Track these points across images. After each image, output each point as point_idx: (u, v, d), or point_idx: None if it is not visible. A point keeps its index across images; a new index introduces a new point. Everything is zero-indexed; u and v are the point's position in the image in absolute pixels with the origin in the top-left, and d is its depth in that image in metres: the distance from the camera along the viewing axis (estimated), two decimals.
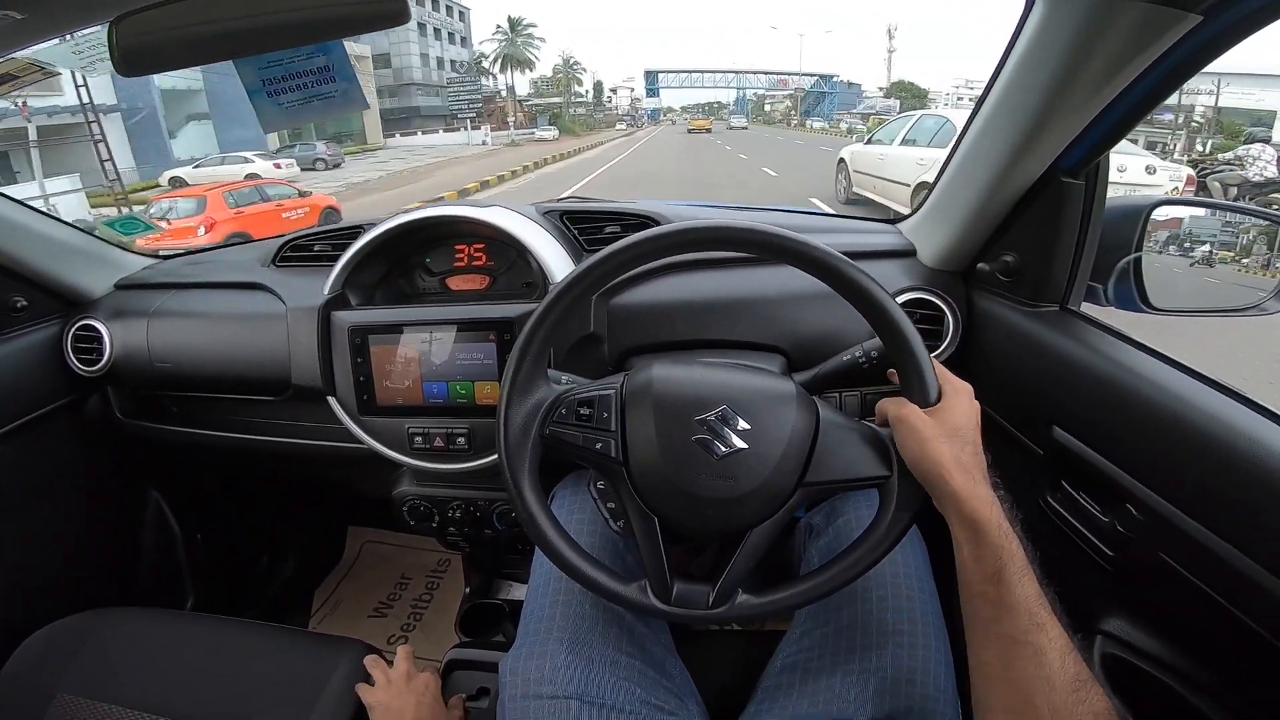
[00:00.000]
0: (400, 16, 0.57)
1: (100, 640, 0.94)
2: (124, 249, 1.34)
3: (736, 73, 78.38)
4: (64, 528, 1.25)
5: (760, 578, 0.65)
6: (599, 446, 0.64)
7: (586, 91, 65.20)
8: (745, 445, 0.61)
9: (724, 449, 0.61)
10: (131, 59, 0.58)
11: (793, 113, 72.61)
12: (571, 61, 58.87)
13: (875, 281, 0.59)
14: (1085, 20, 0.59)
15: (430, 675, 0.95)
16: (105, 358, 1.17)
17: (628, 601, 0.64)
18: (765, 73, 79.19)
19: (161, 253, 1.39)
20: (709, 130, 45.00)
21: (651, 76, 74.50)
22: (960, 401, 0.59)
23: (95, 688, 0.87)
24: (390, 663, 0.93)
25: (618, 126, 61.93)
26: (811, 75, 74.79)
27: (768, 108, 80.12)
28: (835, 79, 72.61)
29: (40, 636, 0.95)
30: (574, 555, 0.65)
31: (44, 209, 1.19)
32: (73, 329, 1.19)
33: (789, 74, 77.00)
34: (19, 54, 0.77)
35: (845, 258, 0.60)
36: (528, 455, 0.65)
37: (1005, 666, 0.51)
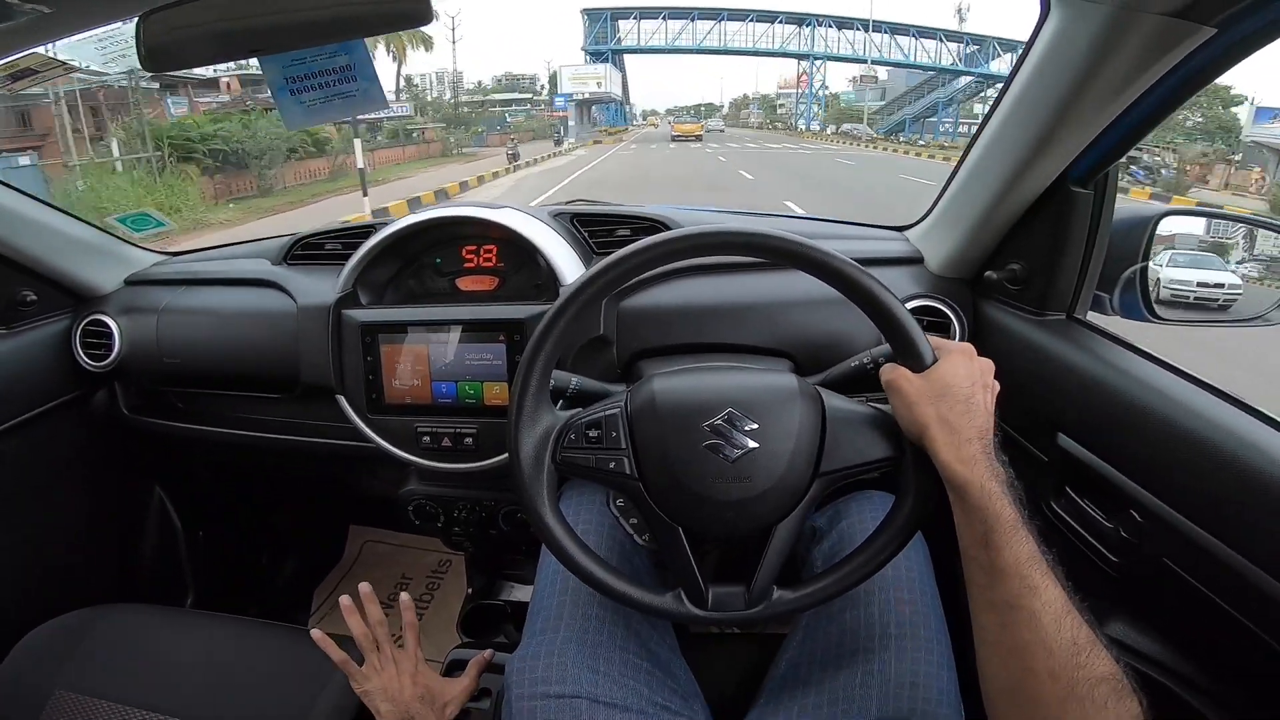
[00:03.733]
0: (423, 17, 0.58)
1: (99, 637, 0.94)
2: (134, 245, 1.34)
3: (798, 16, 39.07)
4: (66, 523, 1.25)
5: (782, 577, 0.65)
6: (612, 466, 0.64)
7: (542, 87, 42.63)
8: (756, 445, 0.61)
9: (736, 451, 0.61)
10: (158, 54, 0.59)
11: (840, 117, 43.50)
12: None
13: (856, 265, 0.60)
14: (1100, 31, 0.60)
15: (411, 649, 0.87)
16: (114, 353, 1.17)
17: (666, 612, 0.64)
18: (843, 19, 39.09)
19: (171, 249, 1.39)
20: (699, 137, 35.22)
21: (597, 20, 38.39)
22: (954, 360, 0.58)
23: (94, 685, 0.87)
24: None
25: (584, 141, 33.03)
26: (960, 35, 35.92)
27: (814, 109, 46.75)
28: (991, 44, 34.81)
29: (40, 633, 0.94)
30: (605, 573, 0.65)
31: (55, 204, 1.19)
32: (82, 324, 1.19)
33: (913, 27, 37.20)
34: (41, 49, 0.77)
35: (842, 256, 0.60)
36: (545, 485, 0.65)
37: (1001, 632, 0.51)
